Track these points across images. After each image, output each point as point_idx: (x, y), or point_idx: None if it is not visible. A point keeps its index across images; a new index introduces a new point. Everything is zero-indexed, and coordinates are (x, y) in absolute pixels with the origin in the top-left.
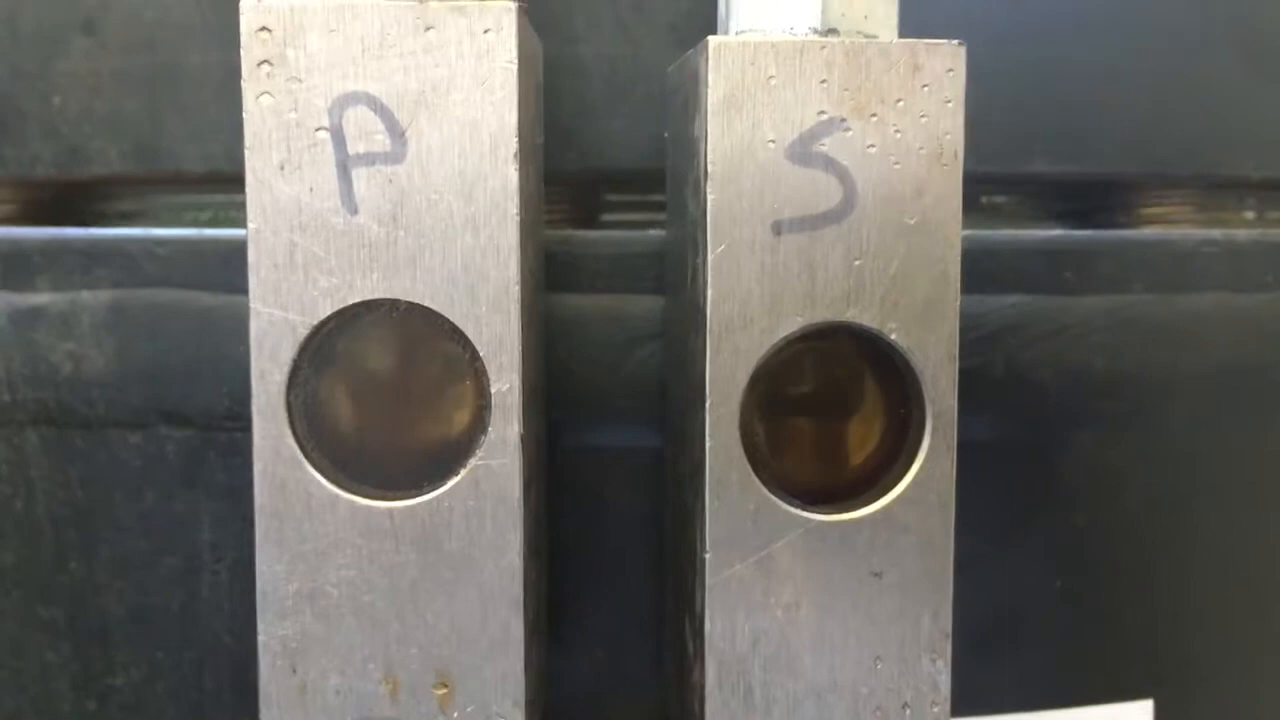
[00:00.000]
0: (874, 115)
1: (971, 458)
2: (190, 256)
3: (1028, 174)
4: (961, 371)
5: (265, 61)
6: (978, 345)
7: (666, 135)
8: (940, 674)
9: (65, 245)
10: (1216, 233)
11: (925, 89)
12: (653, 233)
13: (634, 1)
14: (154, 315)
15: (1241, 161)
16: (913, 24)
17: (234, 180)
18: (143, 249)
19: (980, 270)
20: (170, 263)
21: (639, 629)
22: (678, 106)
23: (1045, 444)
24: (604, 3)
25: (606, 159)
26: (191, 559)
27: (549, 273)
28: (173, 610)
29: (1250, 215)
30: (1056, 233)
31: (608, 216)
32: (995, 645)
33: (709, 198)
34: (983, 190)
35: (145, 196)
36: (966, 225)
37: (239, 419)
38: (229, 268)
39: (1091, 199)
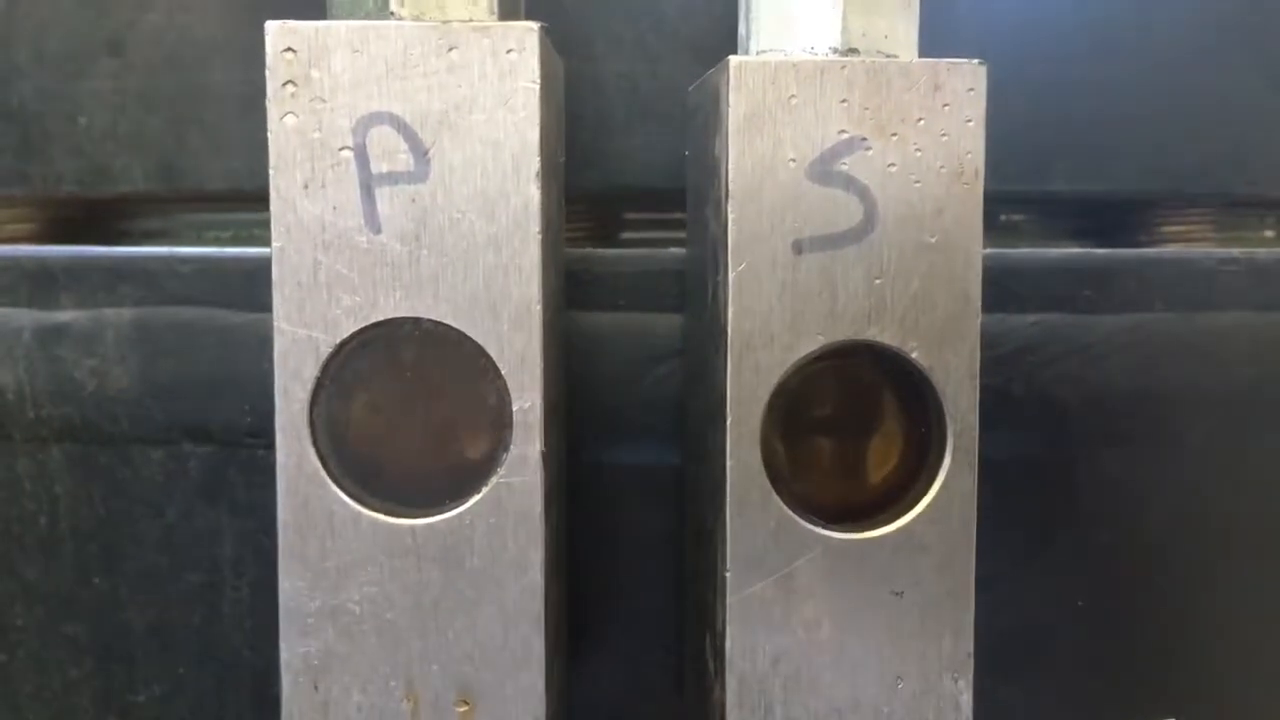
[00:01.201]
0: (895, 134)
1: (992, 477)
2: (213, 274)
3: (1047, 192)
4: (982, 390)
5: (290, 82)
6: (998, 364)
7: (687, 154)
8: (962, 694)
9: (90, 263)
10: (1237, 251)
11: (946, 108)
12: (673, 251)
13: (655, 21)
14: (177, 332)
15: (1261, 180)
16: (932, 44)
17: (256, 199)
18: (166, 267)
19: (1001, 289)
20: (193, 280)
21: (659, 647)
22: (698, 125)
23: (1066, 463)
24: (625, 22)
25: (627, 177)
26: (213, 575)
27: (569, 290)
28: (194, 626)
29: (1270, 234)
30: (1077, 251)
31: (628, 235)
32: (1018, 665)
33: (730, 216)
34: (1002, 209)
35: (169, 215)
36: (985, 244)
37: (261, 435)
38: (251, 286)
39: (1111, 218)
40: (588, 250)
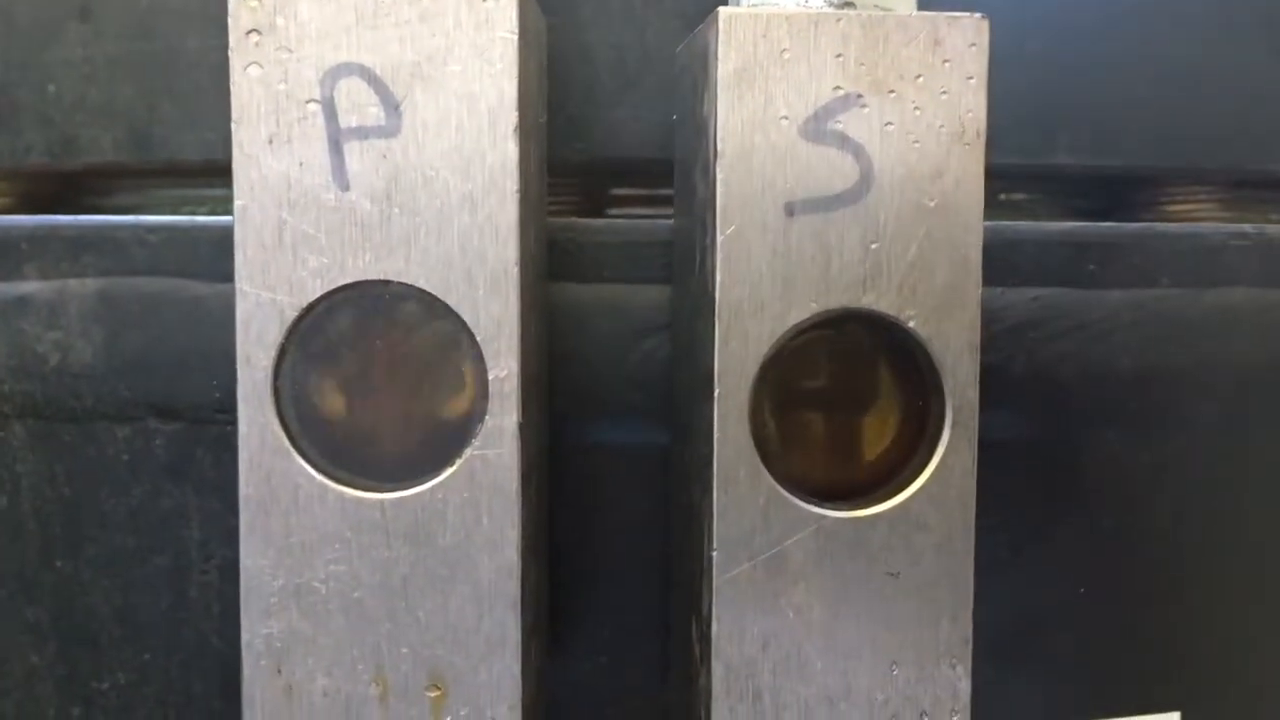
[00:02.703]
0: (892, 91)
1: (992, 457)
2: (181, 244)
3: (1050, 166)
4: (982, 367)
5: (254, 30)
6: (999, 340)
7: (674, 118)
8: (960, 680)
9: (53, 232)
10: (1247, 226)
11: (946, 64)
12: (660, 221)
13: None
14: (143, 304)
15: (1269, 157)
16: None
17: (231, 170)
18: (133, 236)
19: (1001, 263)
20: (160, 250)
21: (643, 632)
22: (686, 86)
23: (1069, 443)
24: None
25: (613, 148)
26: (180, 558)
27: (553, 262)
28: (161, 611)
29: (1276, 216)
30: (1080, 224)
31: (614, 209)
32: (1017, 652)
33: (718, 176)
34: (1002, 185)
35: (141, 189)
36: (986, 218)
37: (229, 411)
38: (221, 255)
39: (1113, 195)
40: (571, 220)
